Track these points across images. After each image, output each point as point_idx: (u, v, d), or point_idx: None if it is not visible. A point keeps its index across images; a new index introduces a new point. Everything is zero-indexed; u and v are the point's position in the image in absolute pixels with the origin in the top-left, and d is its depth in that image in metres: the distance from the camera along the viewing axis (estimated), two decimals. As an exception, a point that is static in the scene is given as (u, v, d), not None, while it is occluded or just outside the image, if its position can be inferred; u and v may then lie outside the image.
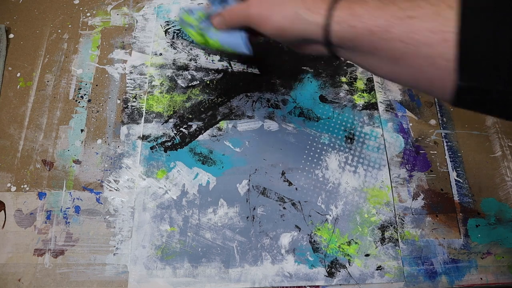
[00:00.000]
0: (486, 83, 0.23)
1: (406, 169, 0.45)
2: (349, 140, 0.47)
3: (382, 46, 0.26)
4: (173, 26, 0.52)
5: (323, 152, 0.46)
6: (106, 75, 0.49)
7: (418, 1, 0.25)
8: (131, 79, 0.49)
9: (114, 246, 0.41)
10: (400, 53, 0.25)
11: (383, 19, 0.25)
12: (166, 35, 0.52)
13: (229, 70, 0.50)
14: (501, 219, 0.43)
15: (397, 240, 0.42)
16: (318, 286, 0.40)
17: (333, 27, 0.27)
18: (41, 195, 0.43)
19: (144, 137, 0.46)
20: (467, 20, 0.22)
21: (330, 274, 0.41)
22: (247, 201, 0.43)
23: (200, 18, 0.37)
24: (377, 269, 0.41)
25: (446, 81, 0.24)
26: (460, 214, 0.44)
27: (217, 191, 0.44)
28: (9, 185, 0.44)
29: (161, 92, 0.48)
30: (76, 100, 0.48)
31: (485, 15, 0.22)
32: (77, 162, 0.45)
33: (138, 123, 0.47)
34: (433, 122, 0.48)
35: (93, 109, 0.48)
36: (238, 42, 0.34)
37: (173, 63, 0.50)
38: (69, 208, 0.43)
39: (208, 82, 0.49)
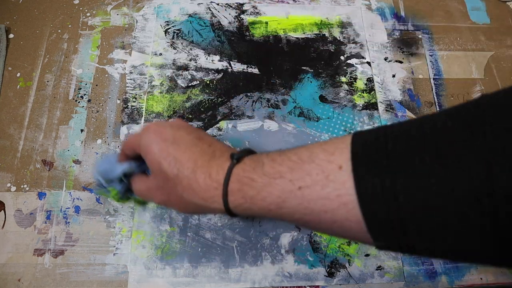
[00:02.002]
0: (393, 242, 0.21)
1: (406, 169, 0.45)
2: (349, 140, 0.47)
3: (284, 217, 0.26)
4: (173, 26, 0.52)
5: (323, 152, 0.46)
6: (106, 75, 0.49)
7: (307, 167, 0.23)
8: (131, 79, 0.49)
9: (114, 246, 0.41)
10: (304, 221, 0.25)
11: (274, 196, 0.25)
12: (166, 35, 0.52)
13: (229, 70, 0.50)
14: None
15: (397, 240, 0.42)
16: (318, 286, 0.40)
17: (233, 210, 0.28)
18: (41, 195, 0.43)
19: (144, 137, 0.46)
20: (360, 179, 0.21)
21: (330, 274, 0.41)
22: (247, 201, 0.43)
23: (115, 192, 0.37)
24: (377, 269, 0.41)
25: (366, 238, 0.22)
26: (460, 214, 0.44)
27: (217, 191, 0.44)
28: (9, 185, 0.44)
29: (161, 92, 0.48)
30: (76, 100, 0.48)
31: (377, 170, 0.20)
32: (77, 162, 0.45)
33: (138, 123, 0.47)
34: (433, 122, 0.48)
35: (93, 109, 0.48)
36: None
37: (173, 63, 0.50)
38: (69, 208, 0.43)
39: (208, 82, 0.49)
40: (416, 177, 0.19)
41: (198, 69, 0.50)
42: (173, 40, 0.52)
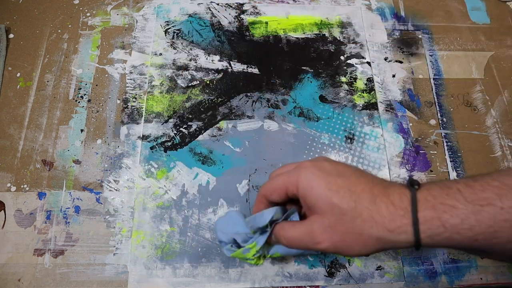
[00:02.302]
0: None
1: (406, 169, 0.45)
2: (349, 140, 0.47)
3: (493, 248, 0.23)
4: (173, 26, 0.52)
5: (323, 152, 0.46)
6: (106, 75, 0.49)
7: None
8: (131, 79, 0.49)
9: (114, 246, 0.41)
10: None
11: (485, 225, 0.22)
12: (166, 35, 0.52)
13: (229, 70, 0.50)
14: (501, 219, 0.43)
15: (397, 240, 0.42)
16: (318, 286, 0.40)
17: (424, 240, 0.24)
18: (41, 195, 0.43)
19: (144, 137, 0.46)
20: None
21: (330, 274, 0.41)
22: (247, 201, 0.43)
23: (253, 250, 0.33)
24: (377, 269, 0.41)
25: None
26: (460, 214, 0.44)
27: (217, 191, 0.44)
28: (9, 185, 0.44)
29: (161, 92, 0.48)
30: (76, 100, 0.48)
31: None
32: (77, 162, 0.45)
33: (138, 123, 0.47)
34: (433, 122, 0.48)
35: (93, 109, 0.48)
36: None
37: (173, 63, 0.50)
38: (69, 208, 0.43)
39: (208, 82, 0.49)
40: None
41: (198, 69, 0.50)
42: (173, 40, 0.52)
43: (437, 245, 0.25)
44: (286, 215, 0.32)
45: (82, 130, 0.46)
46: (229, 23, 0.53)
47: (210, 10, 0.54)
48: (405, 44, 0.53)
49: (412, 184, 0.26)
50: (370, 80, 0.50)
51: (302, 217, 0.33)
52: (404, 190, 0.26)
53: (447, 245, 0.25)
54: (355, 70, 0.51)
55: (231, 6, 0.54)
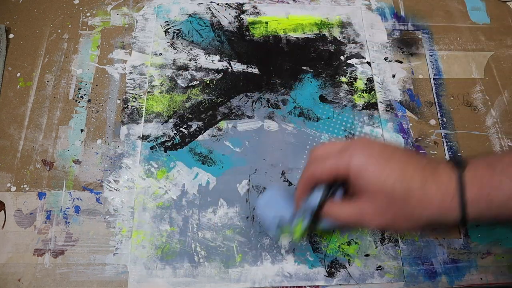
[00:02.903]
0: None
1: (406, 169, 0.45)
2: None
3: None
4: (173, 26, 0.52)
5: (323, 152, 0.46)
6: (106, 75, 0.49)
7: None
8: (131, 79, 0.49)
9: (114, 246, 0.41)
10: None
11: None
12: (166, 35, 0.52)
13: (229, 70, 0.50)
14: (501, 219, 0.43)
15: (397, 240, 0.42)
16: (318, 286, 0.40)
17: (472, 219, 0.26)
18: (41, 195, 0.43)
19: (144, 137, 0.46)
20: None
21: (330, 274, 0.41)
22: (247, 201, 0.43)
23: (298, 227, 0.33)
24: (377, 269, 0.41)
25: None
26: (460, 214, 0.44)
27: (217, 191, 0.44)
28: (9, 185, 0.44)
29: (161, 92, 0.48)
30: (76, 100, 0.48)
31: None
32: (77, 162, 0.45)
33: (138, 123, 0.47)
34: (433, 122, 0.48)
35: (93, 109, 0.48)
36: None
37: (173, 63, 0.50)
38: (69, 208, 0.43)
39: (208, 82, 0.49)
40: None
41: (198, 69, 0.50)
42: (173, 40, 0.52)
43: (485, 221, 0.26)
44: (332, 192, 0.32)
45: (82, 130, 0.46)
46: (229, 23, 0.53)
47: (210, 10, 0.54)
48: (405, 44, 0.53)
49: (459, 164, 0.27)
50: (370, 80, 0.50)
51: (346, 192, 0.32)
52: (452, 170, 0.27)
53: (495, 220, 0.26)
54: (355, 70, 0.51)
55: (231, 6, 0.54)
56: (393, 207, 0.27)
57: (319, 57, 0.51)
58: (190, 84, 0.49)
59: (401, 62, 0.52)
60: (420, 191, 0.26)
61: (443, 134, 0.48)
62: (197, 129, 0.47)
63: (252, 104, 0.48)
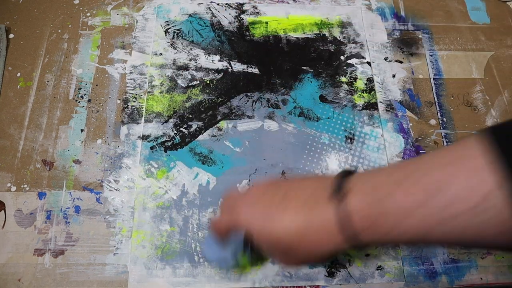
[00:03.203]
0: None
1: (406, 169, 0.45)
2: (349, 140, 0.47)
3: (428, 243, 0.24)
4: (173, 26, 0.52)
5: (323, 152, 0.46)
6: (106, 75, 0.49)
7: (448, 191, 0.21)
8: (131, 79, 0.49)
9: (114, 246, 0.41)
10: (455, 242, 0.23)
11: (416, 228, 0.22)
12: (166, 35, 0.52)
13: (229, 70, 0.50)
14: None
15: (397, 240, 0.42)
16: (318, 286, 0.40)
17: (361, 246, 0.25)
18: (41, 195, 0.43)
19: (144, 137, 0.46)
20: None
21: (330, 274, 0.41)
22: (247, 201, 0.43)
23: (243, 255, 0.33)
24: (377, 269, 0.41)
25: None
26: (460, 214, 0.44)
27: (217, 191, 0.44)
28: (9, 185, 0.44)
29: (161, 92, 0.48)
30: (76, 100, 0.48)
31: None
32: (77, 162, 0.45)
33: (138, 123, 0.47)
34: (433, 122, 0.48)
35: (93, 109, 0.48)
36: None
37: (173, 63, 0.50)
38: (69, 208, 0.43)
39: (208, 82, 0.49)
40: None
41: (198, 69, 0.50)
42: (173, 40, 0.52)
43: (379, 245, 0.26)
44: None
45: (82, 130, 0.46)
46: (229, 23, 0.53)
47: (210, 10, 0.54)
48: (405, 44, 0.53)
49: (341, 189, 0.25)
50: (370, 80, 0.50)
51: None
52: (333, 202, 0.25)
53: (389, 243, 0.26)
54: (355, 70, 0.51)
55: (231, 6, 0.54)
56: (289, 254, 0.27)
57: (319, 57, 0.51)
58: (190, 84, 0.49)
59: (401, 62, 0.52)
60: (304, 232, 0.26)
61: (443, 134, 0.48)
62: (197, 129, 0.47)
63: (252, 104, 0.48)
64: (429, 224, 0.21)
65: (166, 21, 0.53)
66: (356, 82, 0.50)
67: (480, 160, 0.20)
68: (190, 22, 0.53)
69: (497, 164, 0.19)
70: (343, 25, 0.54)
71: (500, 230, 0.20)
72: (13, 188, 0.43)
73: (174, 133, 0.46)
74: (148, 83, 0.49)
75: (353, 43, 0.52)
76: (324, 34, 0.53)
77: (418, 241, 0.23)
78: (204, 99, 0.48)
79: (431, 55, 0.52)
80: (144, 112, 0.47)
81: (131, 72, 0.50)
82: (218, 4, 0.54)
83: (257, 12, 0.54)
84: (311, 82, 0.50)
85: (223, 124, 0.47)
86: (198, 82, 0.49)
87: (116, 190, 0.44)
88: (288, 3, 0.55)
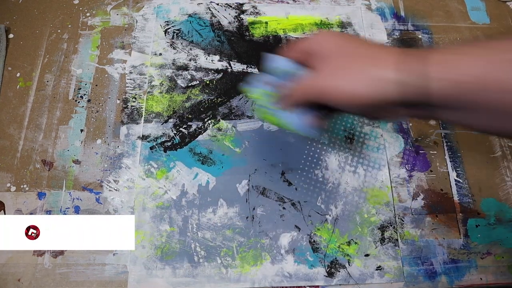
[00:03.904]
0: None
1: (406, 169, 0.45)
2: (349, 140, 0.47)
3: (498, 100, 0.22)
4: (173, 26, 0.52)
5: (323, 152, 0.46)
6: (106, 75, 0.49)
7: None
8: (130, 79, 0.49)
9: (114, 246, 0.41)
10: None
11: (499, 71, 0.22)
12: (165, 35, 0.52)
13: (229, 70, 0.50)
14: (501, 219, 0.43)
15: (397, 240, 0.42)
16: (318, 286, 0.40)
17: (433, 86, 0.24)
18: (40, 195, 0.43)
19: (143, 137, 0.46)
20: None
21: (330, 274, 0.41)
22: (246, 201, 0.43)
23: (270, 98, 0.33)
24: (377, 269, 0.41)
25: None
26: (460, 214, 0.44)
27: (217, 191, 0.44)
28: (8, 185, 0.44)
29: (160, 92, 0.48)
30: (76, 100, 0.48)
31: None
32: (76, 162, 0.45)
33: (137, 123, 0.47)
34: (433, 122, 0.48)
35: (92, 109, 0.48)
36: (307, 126, 0.32)
37: (173, 63, 0.50)
38: (68, 208, 0.43)
39: (207, 82, 0.49)
40: None
41: (198, 69, 0.50)
42: (173, 40, 0.52)
43: (450, 105, 0.24)
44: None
45: (82, 130, 0.46)
46: (229, 23, 0.53)
47: (210, 10, 0.54)
48: (405, 44, 0.53)
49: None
50: (370, 80, 0.50)
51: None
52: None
53: (462, 105, 0.24)
54: (355, 70, 0.51)
55: (231, 6, 0.54)
56: (354, 61, 0.27)
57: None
58: (190, 84, 0.49)
59: (401, 62, 0.52)
60: (380, 50, 0.27)
61: (443, 134, 0.48)
62: (196, 129, 0.47)
63: (252, 104, 0.48)
64: (493, 63, 0.22)
65: (165, 21, 0.53)
66: (356, 82, 0.50)
67: None
68: (190, 22, 0.53)
69: None
70: (343, 25, 0.54)
71: None
72: (13, 188, 0.43)
73: (174, 133, 0.46)
74: (148, 83, 0.49)
75: (353, 43, 0.52)
76: (324, 34, 0.53)
77: (478, 84, 0.23)
78: (204, 99, 0.48)
79: (431, 55, 0.52)
80: (143, 112, 0.47)
81: (130, 72, 0.50)
82: (217, 4, 0.54)
83: (256, 12, 0.54)
84: (311, 82, 0.50)
85: (223, 124, 0.47)
86: (198, 82, 0.49)
87: (116, 190, 0.44)
88: (288, 3, 0.55)
